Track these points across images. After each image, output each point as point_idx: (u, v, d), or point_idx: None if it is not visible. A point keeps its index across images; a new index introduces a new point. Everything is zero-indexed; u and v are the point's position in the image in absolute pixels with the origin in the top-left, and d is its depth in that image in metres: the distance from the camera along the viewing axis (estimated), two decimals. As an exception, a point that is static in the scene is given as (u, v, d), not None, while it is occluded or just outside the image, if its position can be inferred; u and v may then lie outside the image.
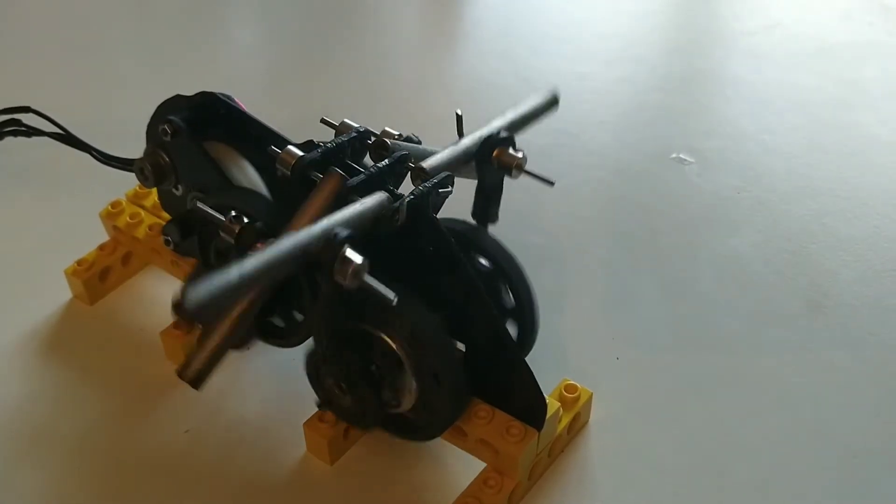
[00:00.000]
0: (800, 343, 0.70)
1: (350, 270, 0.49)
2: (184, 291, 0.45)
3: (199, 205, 0.57)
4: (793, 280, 0.75)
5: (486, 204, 0.62)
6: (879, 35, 1.04)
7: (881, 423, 0.64)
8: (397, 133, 0.62)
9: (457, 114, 0.62)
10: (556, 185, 0.60)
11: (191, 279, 0.51)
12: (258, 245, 0.55)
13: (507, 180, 0.61)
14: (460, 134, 0.62)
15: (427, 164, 0.57)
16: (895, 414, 0.65)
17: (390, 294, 0.50)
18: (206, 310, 0.46)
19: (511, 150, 0.60)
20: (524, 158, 0.60)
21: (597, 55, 1.02)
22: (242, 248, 0.55)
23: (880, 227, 0.80)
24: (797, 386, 0.67)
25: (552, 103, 0.66)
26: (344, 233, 0.49)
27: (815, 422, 0.64)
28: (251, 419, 0.64)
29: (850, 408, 0.65)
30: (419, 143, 0.64)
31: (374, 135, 0.60)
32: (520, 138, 0.61)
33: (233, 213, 0.56)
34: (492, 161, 0.60)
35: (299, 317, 0.60)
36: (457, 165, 0.59)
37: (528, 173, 0.60)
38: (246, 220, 0.56)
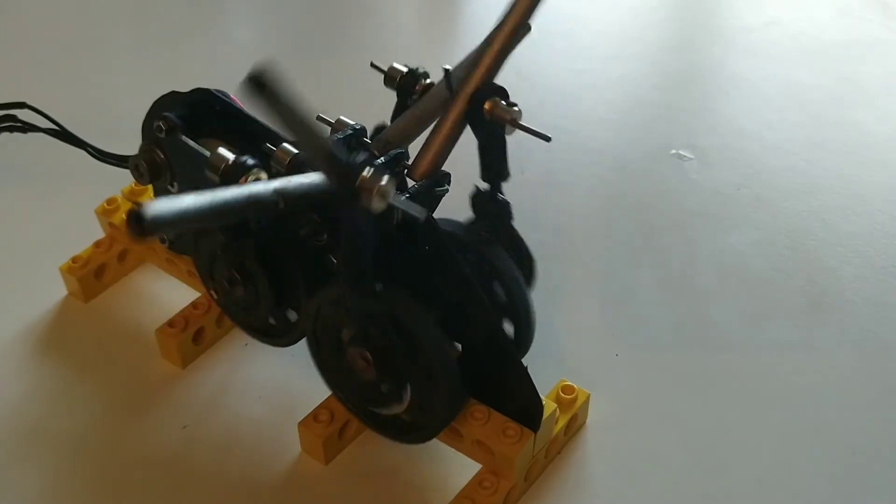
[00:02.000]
0: (799, 340, 0.70)
1: (376, 190, 0.46)
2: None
3: (183, 138, 0.55)
4: (792, 277, 0.75)
5: (492, 160, 0.59)
6: (878, 32, 1.04)
7: (881, 420, 0.64)
8: (405, 69, 0.61)
9: (444, 69, 0.59)
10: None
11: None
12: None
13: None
14: (451, 89, 0.58)
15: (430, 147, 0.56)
16: (895, 411, 0.65)
17: (418, 212, 0.47)
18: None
19: (504, 104, 0.57)
20: (519, 112, 0.56)
21: (595, 52, 1.01)
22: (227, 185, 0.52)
23: (880, 223, 0.80)
24: (797, 383, 0.67)
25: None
26: (363, 156, 0.47)
27: (815, 419, 0.64)
28: (247, 417, 0.64)
29: (850, 405, 0.65)
30: (427, 74, 0.62)
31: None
32: (520, 136, 0.60)
33: (220, 148, 0.53)
34: (484, 115, 0.56)
35: (293, 316, 0.60)
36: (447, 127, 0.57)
37: (523, 128, 0.57)
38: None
